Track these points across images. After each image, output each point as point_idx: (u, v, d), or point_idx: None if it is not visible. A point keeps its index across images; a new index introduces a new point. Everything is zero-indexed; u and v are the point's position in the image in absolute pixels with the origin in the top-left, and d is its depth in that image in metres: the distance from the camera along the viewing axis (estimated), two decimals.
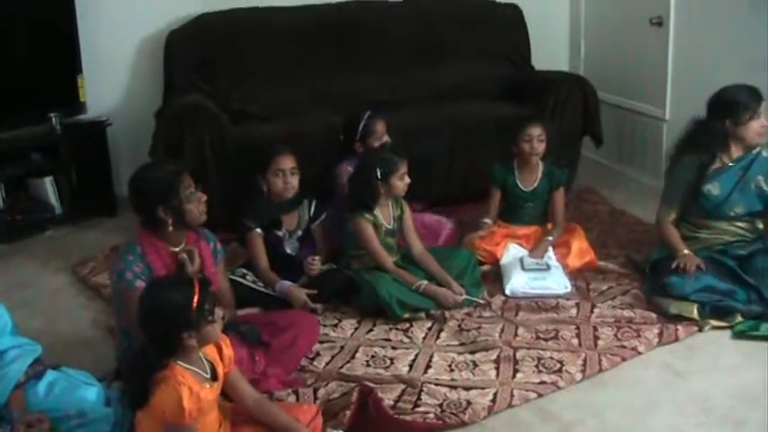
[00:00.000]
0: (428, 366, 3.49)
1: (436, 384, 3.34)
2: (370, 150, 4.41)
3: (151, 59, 5.65)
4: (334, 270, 4.15)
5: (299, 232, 4.21)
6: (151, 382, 2.56)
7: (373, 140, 4.52)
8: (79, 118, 5.47)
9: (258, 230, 4.06)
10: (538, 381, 3.36)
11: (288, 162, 4.11)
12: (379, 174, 4.03)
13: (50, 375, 3.00)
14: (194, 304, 2.57)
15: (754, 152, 4.02)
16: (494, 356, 3.54)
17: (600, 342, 3.64)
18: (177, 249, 3.22)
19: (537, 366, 3.46)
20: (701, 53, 5.21)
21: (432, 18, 5.97)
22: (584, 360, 3.48)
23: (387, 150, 4.27)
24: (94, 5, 5.41)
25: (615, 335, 3.69)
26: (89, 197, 5.43)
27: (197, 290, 2.60)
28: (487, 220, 4.53)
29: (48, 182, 5.26)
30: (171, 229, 3.17)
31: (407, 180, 4.09)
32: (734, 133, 3.98)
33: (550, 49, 6.48)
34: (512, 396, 3.25)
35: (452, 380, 3.38)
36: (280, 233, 4.14)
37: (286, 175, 4.10)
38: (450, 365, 3.50)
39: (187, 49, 5.46)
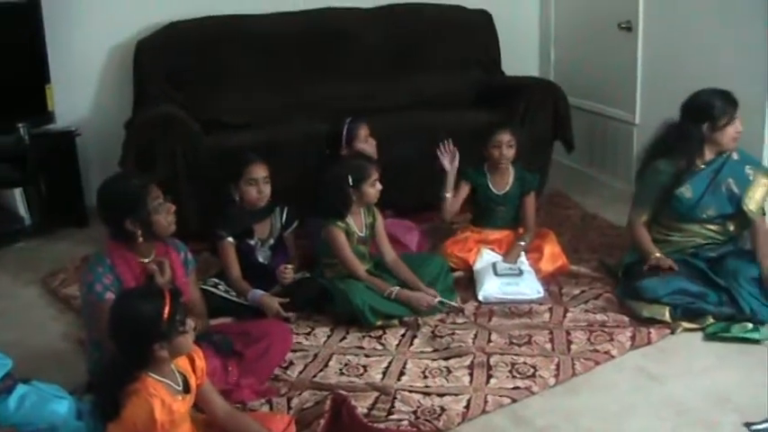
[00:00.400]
0: (401, 373, 3.48)
1: (410, 391, 3.33)
2: (342, 158, 4.41)
3: (121, 68, 5.61)
4: (307, 278, 4.14)
5: (271, 240, 4.19)
6: (122, 394, 2.54)
7: (358, 144, 4.54)
8: (48, 128, 5.40)
9: (230, 239, 4.04)
10: (512, 386, 3.36)
11: (261, 171, 4.10)
12: (351, 181, 4.02)
13: (21, 389, 2.97)
14: (165, 315, 2.55)
15: (725, 155, 4.05)
16: (467, 363, 3.54)
17: (573, 347, 3.65)
18: (147, 260, 3.19)
19: (510, 372, 3.46)
20: (670, 58, 5.24)
21: (404, 25, 5.97)
22: (558, 365, 3.49)
23: (358, 158, 4.27)
24: (63, 13, 5.36)
25: (588, 339, 3.70)
26: (59, 208, 5.38)
27: (168, 300, 2.57)
28: (448, 195, 4.48)
29: (17, 193, 5.21)
30: (140, 240, 3.15)
31: (379, 187, 4.09)
32: (710, 137, 4.01)
33: (520, 55, 6.50)
34: (485, 402, 3.24)
35: (426, 386, 3.38)
36: (252, 242, 4.12)
37: (259, 184, 4.09)
38: (423, 372, 3.49)
39: (157, 58, 5.43)
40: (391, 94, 5.72)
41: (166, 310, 2.55)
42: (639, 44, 5.50)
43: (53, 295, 4.43)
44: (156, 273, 3.14)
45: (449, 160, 4.45)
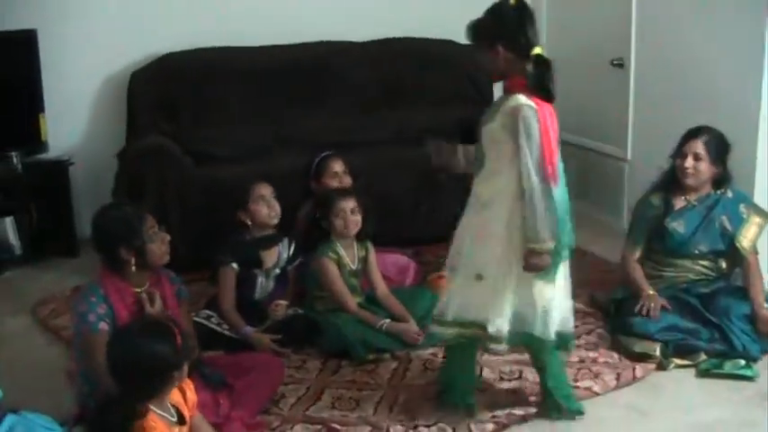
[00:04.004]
0: (391, 408, 3.48)
1: (401, 425, 3.33)
2: (311, 193, 4.46)
3: (114, 99, 5.62)
4: (298, 315, 4.11)
5: (277, 270, 4.21)
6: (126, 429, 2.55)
7: (328, 179, 4.54)
8: (40, 157, 5.40)
9: (234, 266, 4.05)
10: (490, 415, 3.39)
11: (267, 188, 4.18)
12: (316, 213, 4.05)
13: (9, 420, 2.93)
14: (178, 346, 2.62)
15: (719, 192, 4.08)
16: None
17: None
18: (140, 290, 3.19)
19: (490, 407, 3.46)
20: (662, 95, 5.26)
21: (395, 59, 5.99)
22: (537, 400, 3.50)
23: (327, 191, 4.28)
24: (58, 44, 5.38)
25: (575, 376, 3.68)
26: (50, 237, 5.36)
27: (177, 331, 2.66)
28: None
29: (8, 222, 5.19)
30: (134, 269, 3.15)
31: (354, 218, 4.08)
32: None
33: None
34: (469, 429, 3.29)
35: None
36: (257, 271, 4.13)
37: (269, 200, 4.14)
38: None
39: (150, 90, 5.44)
40: (381, 128, 5.71)
41: (177, 339, 2.62)
42: (631, 81, 5.53)
43: (42, 325, 4.40)
44: (145, 302, 3.14)
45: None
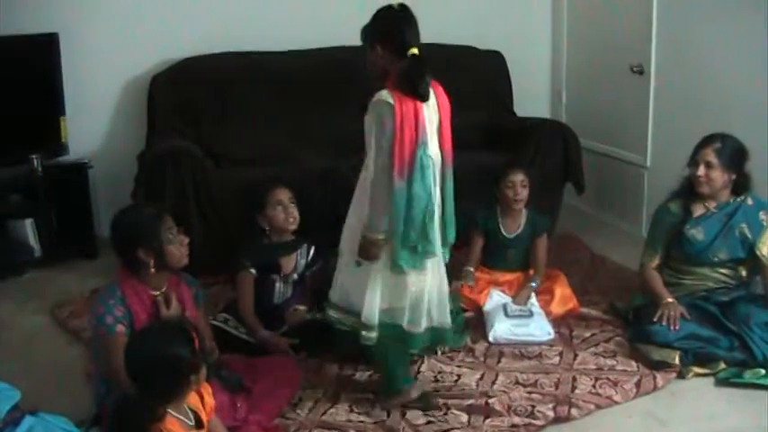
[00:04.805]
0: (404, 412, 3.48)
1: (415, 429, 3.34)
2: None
3: (134, 102, 5.65)
4: (315, 320, 4.07)
5: (295, 276, 4.19)
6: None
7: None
8: (61, 159, 5.44)
9: (252, 271, 4.05)
10: (509, 424, 3.37)
11: (285, 193, 4.15)
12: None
13: (28, 421, 2.95)
14: (196, 349, 2.63)
15: (738, 199, 4.04)
16: (467, 403, 3.53)
17: (576, 391, 3.63)
18: (158, 293, 3.20)
19: (508, 411, 3.46)
20: (681, 101, 5.25)
21: None
22: (554, 406, 3.49)
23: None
24: (79, 47, 5.41)
25: (593, 384, 3.67)
26: (69, 239, 5.40)
27: (194, 333, 2.67)
28: (470, 268, 4.52)
29: (28, 223, 5.22)
30: (152, 271, 3.17)
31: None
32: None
33: (532, 96, 6.53)
34: None
35: (428, 422, 3.39)
36: (274, 276, 4.12)
37: (286, 206, 4.12)
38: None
39: (170, 93, 5.46)
40: None
41: (196, 342, 2.63)
42: (651, 87, 5.50)
43: (61, 326, 4.43)
44: (161, 305, 3.14)
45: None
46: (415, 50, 3.20)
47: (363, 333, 3.28)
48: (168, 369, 2.60)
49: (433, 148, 3.26)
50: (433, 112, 3.27)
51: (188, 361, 2.62)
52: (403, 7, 3.31)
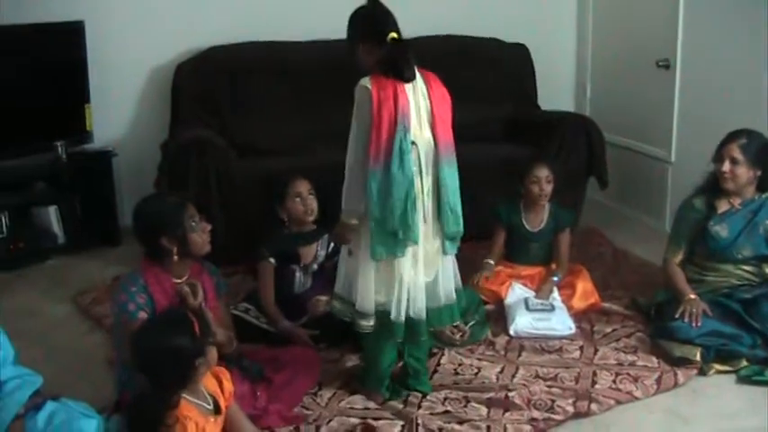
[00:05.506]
0: (420, 405, 3.48)
1: (430, 418, 3.35)
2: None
3: (159, 91, 5.67)
4: None
5: (315, 266, 4.18)
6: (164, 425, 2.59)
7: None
8: (85, 147, 5.48)
9: (271, 260, 4.06)
10: (528, 418, 3.36)
11: (303, 185, 4.15)
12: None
13: (50, 406, 2.97)
14: (197, 332, 2.67)
15: (763, 196, 4.01)
16: (487, 396, 3.53)
17: (596, 386, 3.61)
18: (180, 281, 3.21)
19: (528, 405, 3.45)
20: (707, 96, 5.21)
21: (438, 57, 5.93)
22: (575, 401, 3.47)
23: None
24: (104, 36, 5.43)
25: (614, 380, 3.65)
26: (93, 227, 5.43)
27: (194, 319, 2.73)
28: (490, 261, 4.52)
29: (52, 211, 5.26)
30: (175, 258, 3.18)
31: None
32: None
33: (556, 90, 6.50)
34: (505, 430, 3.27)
35: (446, 412, 3.40)
36: (294, 266, 4.13)
37: (304, 198, 4.13)
38: (443, 401, 3.49)
39: (194, 82, 5.48)
40: None
41: (196, 327, 2.67)
42: (677, 82, 5.47)
43: (84, 313, 4.46)
44: (188, 295, 3.14)
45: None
46: (393, 35, 3.22)
47: (360, 322, 3.29)
48: (172, 360, 2.64)
49: (423, 135, 3.22)
50: (421, 98, 3.24)
51: (188, 347, 2.65)
52: (373, 2, 3.33)
